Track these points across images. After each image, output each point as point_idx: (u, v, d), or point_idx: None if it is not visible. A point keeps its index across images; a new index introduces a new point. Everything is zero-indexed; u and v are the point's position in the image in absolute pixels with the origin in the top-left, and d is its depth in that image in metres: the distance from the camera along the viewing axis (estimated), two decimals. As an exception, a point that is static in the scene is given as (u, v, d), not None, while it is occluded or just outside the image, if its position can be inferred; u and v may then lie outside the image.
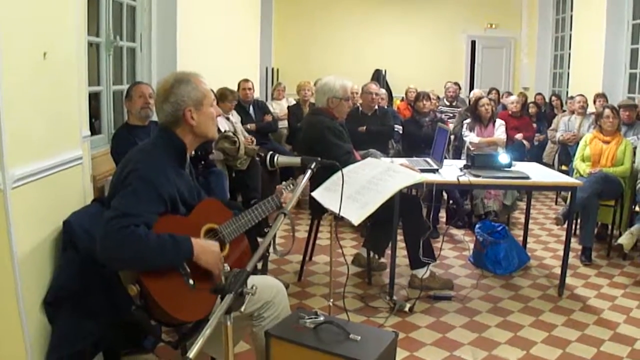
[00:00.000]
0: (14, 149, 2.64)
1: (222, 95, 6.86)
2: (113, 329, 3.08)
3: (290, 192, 3.05)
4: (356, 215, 3.17)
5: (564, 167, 7.87)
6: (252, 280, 2.77)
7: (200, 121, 2.72)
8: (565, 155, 8.09)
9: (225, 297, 1.66)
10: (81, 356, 2.97)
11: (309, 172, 2.55)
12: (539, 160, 8.11)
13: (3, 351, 2.76)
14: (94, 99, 5.07)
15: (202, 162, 5.71)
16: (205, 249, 2.58)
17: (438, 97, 9.67)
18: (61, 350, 2.88)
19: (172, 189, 2.61)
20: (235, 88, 7.62)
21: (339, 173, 3.16)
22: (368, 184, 3.43)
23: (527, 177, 4.65)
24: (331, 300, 3.20)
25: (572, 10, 11.02)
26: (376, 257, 5.23)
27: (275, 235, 2.14)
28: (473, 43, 13.88)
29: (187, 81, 2.70)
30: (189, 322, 2.60)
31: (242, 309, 1.72)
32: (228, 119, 6.88)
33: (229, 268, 1.82)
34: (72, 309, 2.88)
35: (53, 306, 2.91)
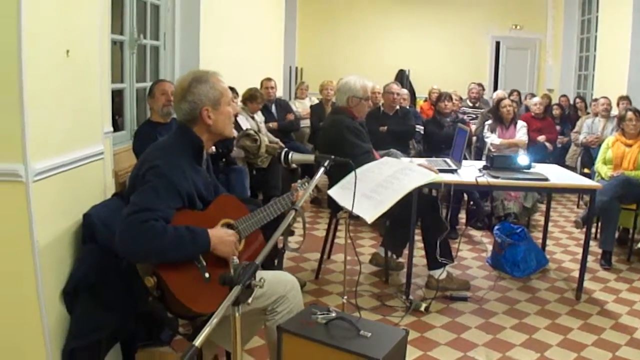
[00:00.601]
0: (37, 143, 2.69)
1: (252, 96, 6.93)
2: (130, 321, 3.14)
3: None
4: (370, 213, 3.20)
5: (586, 170, 7.83)
6: (267, 275, 2.83)
7: (217, 120, 2.77)
8: (587, 158, 8.03)
9: (233, 289, 1.70)
10: (98, 346, 3.03)
11: (321, 169, 2.57)
12: (562, 163, 8.08)
13: (23, 339, 2.82)
14: (118, 96, 5.14)
15: (224, 160, 5.76)
16: (223, 239, 2.64)
17: (460, 98, 9.63)
18: (79, 339, 2.93)
19: (189, 184, 2.66)
20: (258, 87, 7.68)
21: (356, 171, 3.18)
22: (384, 182, 3.46)
23: (546, 179, 4.62)
24: (345, 297, 3.23)
25: (598, 11, 10.91)
26: (394, 256, 5.25)
27: (286, 231, 2.17)
28: (497, 44, 13.82)
29: (205, 80, 2.74)
30: (204, 314, 2.64)
31: (249, 300, 1.75)
32: (253, 118, 6.93)
33: (237, 261, 1.85)
34: (90, 299, 2.94)
35: (72, 296, 2.97)
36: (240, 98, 6.89)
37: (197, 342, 1.51)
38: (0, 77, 2.57)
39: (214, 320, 1.59)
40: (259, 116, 7.15)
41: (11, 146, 2.61)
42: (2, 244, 2.72)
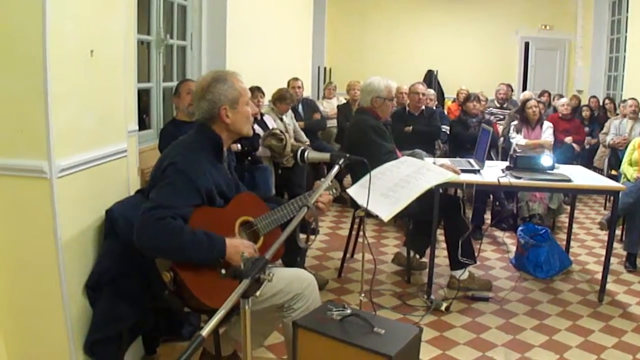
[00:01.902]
0: (61, 141, 2.77)
1: (281, 97, 6.97)
2: (149, 314, 3.20)
3: (328, 191, 3.11)
4: (387, 211, 3.23)
5: (613, 172, 7.75)
6: (284, 272, 2.88)
7: (235, 119, 2.83)
8: (615, 160, 7.94)
9: (242, 282, 1.73)
10: (119, 339, 3.10)
11: (336, 167, 2.61)
12: (590, 164, 8.03)
13: (46, 331, 2.91)
14: (145, 95, 5.22)
15: (249, 158, 5.82)
16: (238, 249, 2.65)
17: (487, 99, 9.59)
18: (100, 332, 3.00)
19: (208, 182, 2.71)
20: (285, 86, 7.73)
21: (375, 170, 3.21)
22: (401, 181, 3.49)
23: (569, 180, 4.60)
24: (362, 295, 3.25)
25: (628, 11, 10.77)
26: (417, 256, 5.26)
27: (298, 227, 2.21)
28: (527, 44, 13.72)
29: (224, 80, 2.80)
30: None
31: (258, 293, 1.78)
32: (281, 119, 6.97)
33: (247, 255, 1.89)
34: (111, 293, 3.01)
35: (94, 290, 3.04)
36: (267, 98, 6.94)
37: (204, 332, 1.55)
38: (25, 76, 2.66)
39: (221, 312, 1.63)
40: (288, 118, 7.18)
41: (36, 143, 2.70)
42: (27, 238, 2.81)
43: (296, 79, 8.09)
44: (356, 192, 3.53)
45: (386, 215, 3.23)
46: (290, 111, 7.29)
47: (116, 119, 3.35)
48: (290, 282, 2.88)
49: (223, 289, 2.53)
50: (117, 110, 3.36)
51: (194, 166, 2.66)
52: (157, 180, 2.68)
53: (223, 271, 2.62)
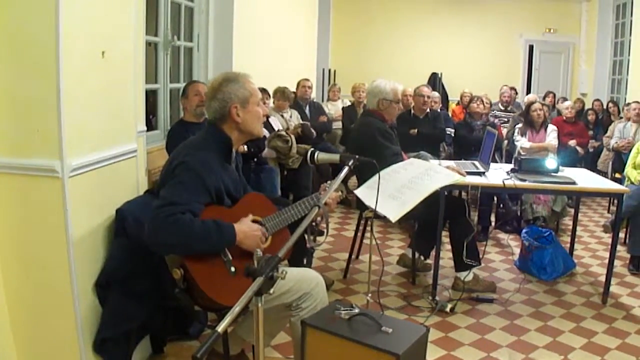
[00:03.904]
0: (73, 141, 2.81)
1: (280, 93, 7.03)
2: (159, 313, 3.24)
3: (335, 191, 3.14)
4: (394, 212, 3.26)
5: (617, 175, 7.77)
6: (292, 272, 2.90)
7: (246, 119, 2.86)
8: (619, 163, 7.95)
9: (256, 279, 1.77)
10: (128, 337, 3.14)
11: (345, 169, 2.64)
12: (594, 168, 8.04)
13: (56, 329, 2.95)
14: (152, 96, 5.25)
15: (255, 159, 5.84)
16: (248, 234, 2.73)
17: (490, 103, 9.60)
18: (109, 330, 3.04)
19: (217, 181, 2.75)
20: (292, 88, 7.77)
21: (382, 172, 3.23)
22: (409, 183, 3.52)
23: (573, 183, 4.63)
24: (369, 295, 3.29)
25: (632, 15, 10.77)
26: (422, 257, 5.29)
27: (309, 228, 2.24)
28: (531, 47, 13.72)
29: (235, 80, 2.84)
30: (229, 307, 2.73)
31: (272, 291, 1.82)
32: (282, 115, 7.02)
33: (261, 253, 1.92)
34: (121, 292, 3.04)
35: (104, 288, 3.09)
36: (271, 99, 6.99)
37: (220, 328, 1.58)
38: (38, 77, 2.70)
39: (236, 309, 1.66)
40: (290, 113, 7.23)
41: (49, 143, 2.74)
42: (39, 236, 2.85)
43: (307, 79, 8.17)
44: (363, 193, 3.57)
45: (394, 216, 3.27)
46: (293, 110, 7.36)
47: (126, 120, 3.39)
48: (299, 281, 2.91)
49: (233, 287, 2.58)
50: (127, 110, 3.40)
51: (203, 165, 2.70)
52: (167, 179, 2.71)
53: (233, 269, 2.66)
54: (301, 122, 7.22)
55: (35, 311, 2.94)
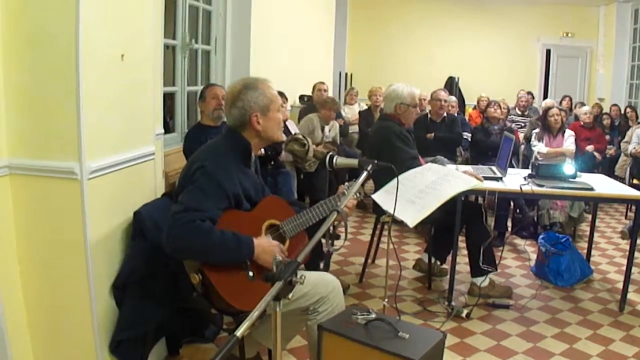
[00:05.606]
0: (92, 143, 2.83)
1: (324, 103, 7.04)
2: (175, 316, 3.25)
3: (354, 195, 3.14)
4: (412, 217, 3.25)
5: (635, 181, 7.72)
6: (310, 276, 2.90)
7: (267, 126, 2.86)
8: (637, 168, 7.91)
9: (275, 284, 1.77)
10: (144, 340, 3.15)
11: (364, 173, 2.63)
12: (611, 173, 8.00)
13: (73, 330, 2.97)
14: (169, 99, 5.27)
15: (272, 163, 5.85)
16: (266, 249, 2.73)
17: (508, 108, 9.57)
18: (126, 332, 3.06)
19: (236, 186, 2.75)
20: (308, 92, 7.78)
21: (401, 176, 3.22)
22: (427, 188, 3.51)
23: (591, 189, 4.59)
24: (385, 300, 3.28)
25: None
26: (438, 263, 5.27)
27: (328, 233, 2.23)
28: (548, 52, 13.67)
29: (254, 87, 2.83)
30: (247, 311, 2.74)
31: (290, 296, 1.82)
32: (322, 129, 7.04)
33: (280, 258, 1.92)
34: (138, 294, 3.06)
35: (121, 290, 3.10)
36: (290, 103, 6.98)
37: (239, 332, 1.58)
38: (58, 80, 2.72)
39: (255, 314, 1.66)
40: (335, 129, 7.29)
41: (68, 145, 2.76)
42: (57, 238, 2.87)
43: (322, 83, 8.21)
44: (381, 197, 3.56)
45: (412, 221, 3.26)
46: (335, 122, 7.37)
47: (145, 122, 3.41)
48: (316, 285, 2.91)
49: (251, 292, 2.58)
50: (145, 113, 3.42)
51: (222, 170, 2.70)
52: (186, 184, 2.71)
53: (251, 274, 2.66)
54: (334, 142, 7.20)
55: (53, 312, 2.96)
